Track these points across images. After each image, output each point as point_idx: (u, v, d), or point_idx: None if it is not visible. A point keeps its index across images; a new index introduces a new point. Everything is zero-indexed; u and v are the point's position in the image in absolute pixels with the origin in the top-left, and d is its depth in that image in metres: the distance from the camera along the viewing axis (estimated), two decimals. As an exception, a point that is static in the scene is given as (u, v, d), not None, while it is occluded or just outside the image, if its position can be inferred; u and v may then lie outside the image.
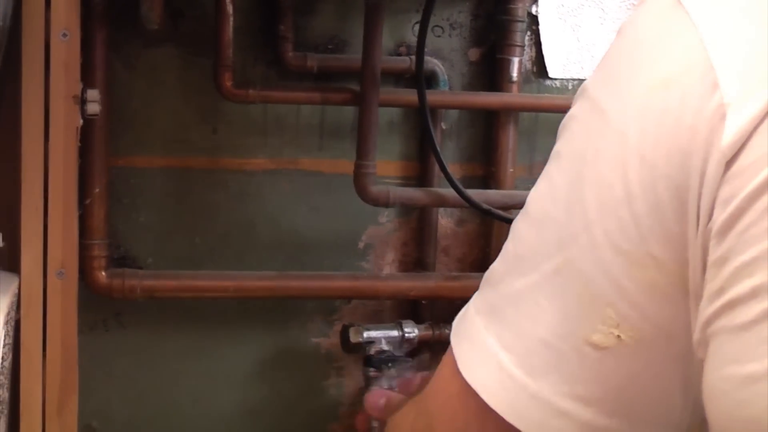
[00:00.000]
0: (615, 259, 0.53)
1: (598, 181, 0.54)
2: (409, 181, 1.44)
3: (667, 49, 0.53)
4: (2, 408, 1.10)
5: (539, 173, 0.60)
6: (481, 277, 0.62)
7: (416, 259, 1.47)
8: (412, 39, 1.39)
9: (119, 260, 1.36)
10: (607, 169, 0.53)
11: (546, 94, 1.47)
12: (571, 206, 0.55)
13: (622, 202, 0.53)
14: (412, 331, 1.36)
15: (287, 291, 1.38)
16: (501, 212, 1.37)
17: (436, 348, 1.41)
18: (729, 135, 0.50)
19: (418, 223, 1.46)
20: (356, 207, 1.38)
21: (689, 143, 0.51)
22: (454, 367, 0.60)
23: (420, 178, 1.44)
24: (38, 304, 1.17)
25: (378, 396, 1.06)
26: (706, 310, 0.51)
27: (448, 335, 0.63)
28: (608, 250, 0.53)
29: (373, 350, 1.33)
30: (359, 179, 1.34)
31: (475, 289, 0.63)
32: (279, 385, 1.45)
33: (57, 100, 1.15)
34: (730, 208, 0.50)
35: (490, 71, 1.44)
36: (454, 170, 1.40)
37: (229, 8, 1.29)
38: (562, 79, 1.47)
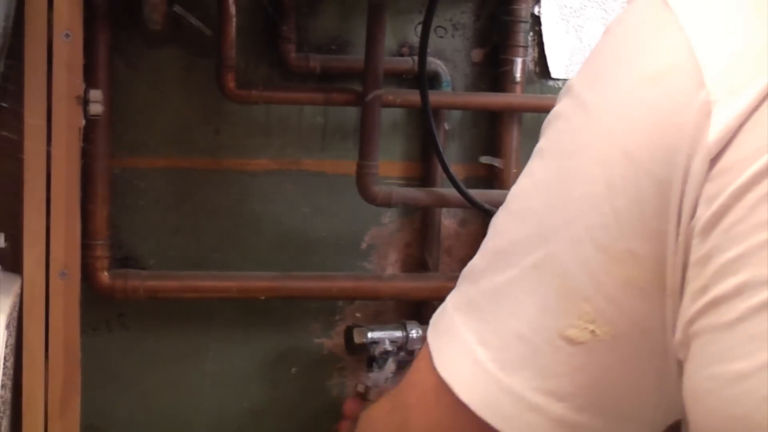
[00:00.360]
0: (594, 254, 0.53)
1: (580, 176, 0.54)
2: (411, 181, 1.44)
3: (654, 48, 0.53)
4: (5, 408, 1.10)
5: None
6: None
7: (419, 260, 1.46)
8: (415, 40, 1.39)
9: (122, 261, 1.36)
10: (590, 164, 0.53)
11: (549, 95, 1.47)
12: (553, 201, 0.55)
13: (604, 198, 0.52)
14: (416, 332, 1.36)
15: (290, 291, 1.38)
16: (504, 213, 1.37)
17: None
18: (715, 131, 0.49)
19: (420, 224, 1.46)
20: (359, 207, 1.38)
21: (674, 139, 0.51)
22: (430, 362, 0.59)
23: (423, 178, 1.44)
24: (41, 305, 1.17)
25: (358, 402, 1.05)
26: (689, 309, 0.51)
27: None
28: (588, 246, 0.53)
29: (377, 351, 1.32)
30: (362, 180, 1.34)
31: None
32: (282, 386, 1.45)
33: (60, 100, 1.15)
34: (715, 205, 0.49)
35: (492, 72, 1.44)
36: (457, 171, 1.39)
37: (232, 9, 1.29)
38: (564, 79, 1.47)
